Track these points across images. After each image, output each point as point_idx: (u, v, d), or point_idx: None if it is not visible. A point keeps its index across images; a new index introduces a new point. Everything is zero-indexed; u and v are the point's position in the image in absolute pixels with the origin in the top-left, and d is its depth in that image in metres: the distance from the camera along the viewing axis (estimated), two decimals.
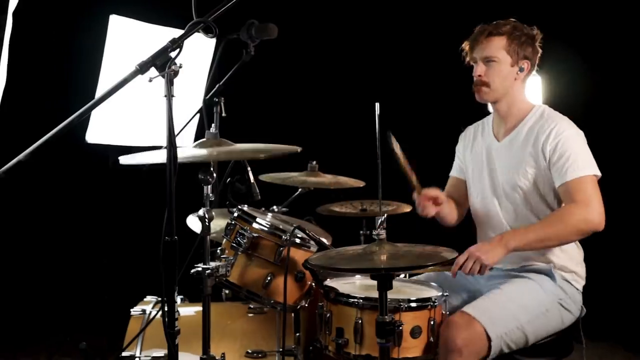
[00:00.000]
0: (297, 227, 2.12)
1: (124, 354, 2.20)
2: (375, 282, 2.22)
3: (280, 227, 2.18)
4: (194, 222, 2.47)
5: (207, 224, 1.94)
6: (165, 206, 2.00)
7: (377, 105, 1.84)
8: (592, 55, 4.17)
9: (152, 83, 3.59)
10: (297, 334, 2.32)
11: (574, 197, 2.21)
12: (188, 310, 2.46)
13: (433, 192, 2.46)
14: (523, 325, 2.16)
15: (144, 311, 2.38)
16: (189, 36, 1.58)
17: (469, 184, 2.58)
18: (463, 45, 2.42)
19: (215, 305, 2.48)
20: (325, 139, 4.37)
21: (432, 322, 2.06)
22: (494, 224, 2.43)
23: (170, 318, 1.55)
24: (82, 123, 3.37)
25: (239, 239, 2.12)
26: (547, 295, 2.26)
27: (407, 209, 3.31)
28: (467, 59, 2.42)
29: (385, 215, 1.84)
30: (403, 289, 2.26)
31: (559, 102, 3.99)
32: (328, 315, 2.11)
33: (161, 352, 2.22)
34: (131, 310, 2.37)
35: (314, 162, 3.05)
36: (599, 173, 2.26)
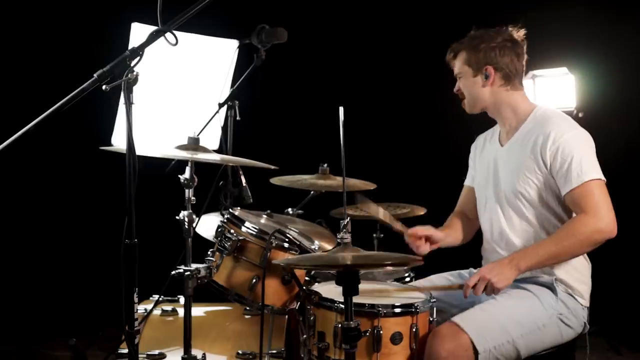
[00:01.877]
0: (277, 230, 2.14)
1: (121, 351, 2.28)
2: (364, 287, 2.24)
3: (267, 230, 2.20)
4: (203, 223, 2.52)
5: (186, 227, 1.99)
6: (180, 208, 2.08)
7: (341, 109, 1.83)
8: (632, 52, 3.97)
9: (181, 87, 3.68)
10: (304, 336, 2.33)
11: (582, 206, 2.13)
12: (196, 311, 2.52)
13: (422, 230, 2.44)
14: (514, 340, 2.09)
15: (145, 310, 2.46)
16: (149, 45, 1.63)
17: (477, 193, 2.52)
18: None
19: (216, 305, 2.55)
20: (337, 141, 4.39)
21: (414, 329, 2.03)
22: (496, 233, 2.36)
23: (130, 318, 1.60)
24: (109, 126, 3.52)
25: (224, 242, 2.16)
26: (545, 310, 2.17)
27: (421, 211, 3.27)
28: None
29: (349, 218, 1.83)
30: (390, 294, 2.24)
31: (596, 103, 3.84)
32: (312, 318, 2.12)
33: (156, 351, 2.29)
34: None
35: (325, 165, 3.06)
36: (603, 177, 2.16)
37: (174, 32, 1.68)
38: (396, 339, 2.01)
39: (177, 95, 3.52)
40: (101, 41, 3.92)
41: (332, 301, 2.06)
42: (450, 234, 2.52)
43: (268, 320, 2.34)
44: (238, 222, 2.21)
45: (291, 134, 4.42)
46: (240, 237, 2.16)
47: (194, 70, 3.54)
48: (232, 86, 2.99)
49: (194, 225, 2.01)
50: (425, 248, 2.44)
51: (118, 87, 1.62)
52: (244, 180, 2.31)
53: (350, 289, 1.77)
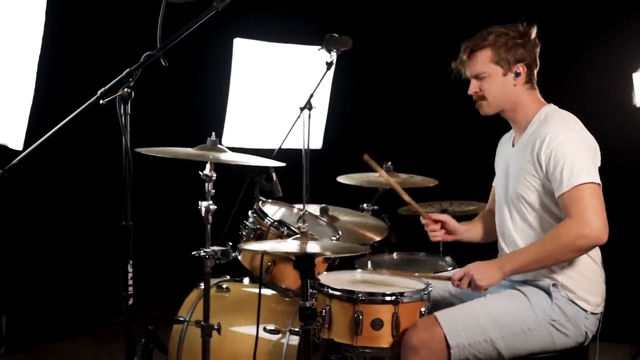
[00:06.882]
0: (278, 220, 2.41)
1: (177, 317, 2.74)
2: (366, 277, 2.45)
3: (284, 221, 2.48)
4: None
5: (203, 215, 2.36)
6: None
7: (308, 112, 2.04)
8: None
9: (276, 91, 4.05)
10: None
11: (569, 211, 2.10)
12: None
13: (436, 215, 2.53)
14: (493, 340, 2.13)
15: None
16: (142, 67, 2.01)
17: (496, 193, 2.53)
18: (452, 66, 2.35)
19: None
20: (401, 140, 4.44)
21: (396, 317, 2.17)
22: (505, 234, 2.38)
23: (124, 284, 2.00)
24: (220, 129, 4.02)
25: (244, 230, 2.50)
26: (535, 315, 2.16)
27: None
28: (463, 76, 2.36)
29: (305, 210, 2.03)
30: (393, 283, 2.41)
31: None
32: (314, 301, 2.36)
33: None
34: (197, 283, 2.89)
35: (389, 163, 3.22)
36: (597, 180, 2.09)
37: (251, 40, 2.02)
38: (376, 324, 2.18)
39: (272, 99, 3.93)
40: (205, 56, 4.43)
41: (323, 286, 2.28)
42: (471, 229, 2.58)
43: (295, 301, 2.64)
44: (262, 213, 2.53)
45: (362, 133, 4.59)
46: (258, 226, 2.48)
47: (287, 76, 3.92)
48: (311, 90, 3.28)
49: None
50: (439, 234, 2.52)
51: None
52: (274, 176, 2.61)
53: (306, 273, 1.99)
